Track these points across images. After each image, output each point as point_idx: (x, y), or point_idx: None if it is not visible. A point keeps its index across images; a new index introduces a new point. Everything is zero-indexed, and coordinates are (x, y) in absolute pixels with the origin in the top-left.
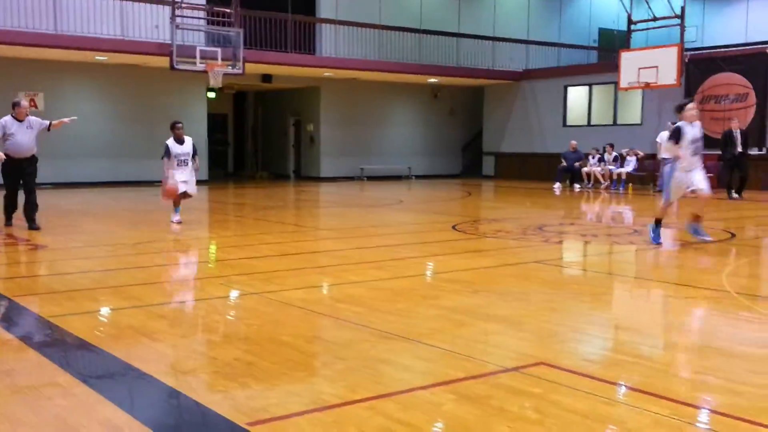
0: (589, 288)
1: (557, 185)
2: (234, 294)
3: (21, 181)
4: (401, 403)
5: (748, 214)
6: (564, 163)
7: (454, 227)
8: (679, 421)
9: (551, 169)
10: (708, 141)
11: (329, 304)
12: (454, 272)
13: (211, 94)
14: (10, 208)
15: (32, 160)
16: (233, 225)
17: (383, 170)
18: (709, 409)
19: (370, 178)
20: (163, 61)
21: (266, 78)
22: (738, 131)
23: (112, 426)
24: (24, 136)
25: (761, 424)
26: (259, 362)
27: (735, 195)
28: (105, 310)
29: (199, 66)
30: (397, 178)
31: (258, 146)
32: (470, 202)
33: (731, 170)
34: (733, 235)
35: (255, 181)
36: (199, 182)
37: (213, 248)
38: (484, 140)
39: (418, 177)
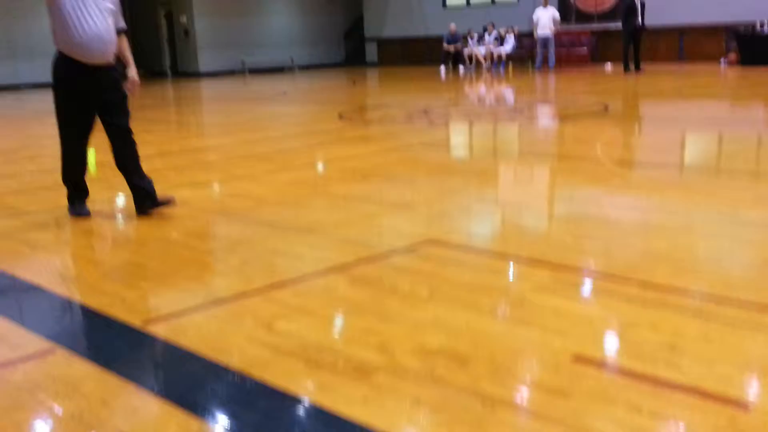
0: (475, 167)
1: (443, 68)
2: (116, 196)
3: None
4: (296, 291)
5: (618, 86)
6: (446, 46)
7: (340, 116)
8: (558, 283)
9: (434, 53)
10: (584, 16)
11: (218, 200)
12: (342, 160)
13: None
14: (75, 171)
15: (109, 72)
16: None
17: (265, 62)
18: (584, 269)
19: (253, 71)
20: None
21: None
22: (639, 2)
23: None
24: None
25: (631, 278)
26: (148, 263)
27: (632, 68)
28: None
29: None
30: (279, 69)
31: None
32: (355, 89)
33: (630, 42)
34: (607, 108)
35: None
36: None
37: (90, 151)
38: (365, 26)
39: (301, 68)
